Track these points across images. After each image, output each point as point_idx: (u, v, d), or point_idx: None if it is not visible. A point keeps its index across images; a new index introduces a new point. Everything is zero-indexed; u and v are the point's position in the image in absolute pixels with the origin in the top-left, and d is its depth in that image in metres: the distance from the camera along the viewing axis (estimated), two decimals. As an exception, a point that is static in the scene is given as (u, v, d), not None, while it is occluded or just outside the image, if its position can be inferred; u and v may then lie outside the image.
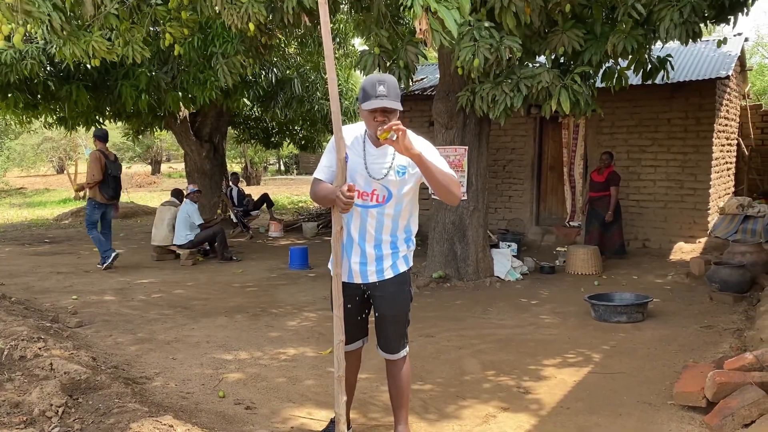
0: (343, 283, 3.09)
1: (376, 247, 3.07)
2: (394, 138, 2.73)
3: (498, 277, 7.88)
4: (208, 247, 9.84)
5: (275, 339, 5.32)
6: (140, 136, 15.86)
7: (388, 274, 3.10)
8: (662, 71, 7.27)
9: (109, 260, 8.69)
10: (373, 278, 3.10)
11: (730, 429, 3.32)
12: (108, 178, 8.58)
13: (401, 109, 2.93)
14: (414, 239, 3.21)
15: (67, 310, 6.18)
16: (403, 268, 3.14)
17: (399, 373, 3.22)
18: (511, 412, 3.81)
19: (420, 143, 3.01)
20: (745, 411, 3.31)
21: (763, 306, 5.56)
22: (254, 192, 16.69)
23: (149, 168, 36.15)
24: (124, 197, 21.78)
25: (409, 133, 3.08)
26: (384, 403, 3.89)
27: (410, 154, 2.77)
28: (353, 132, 3.08)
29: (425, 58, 7.24)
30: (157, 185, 29.44)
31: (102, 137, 8.84)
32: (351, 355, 3.17)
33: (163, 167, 38.22)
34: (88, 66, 9.87)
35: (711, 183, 9.80)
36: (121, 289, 7.42)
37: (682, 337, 5.30)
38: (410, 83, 7.09)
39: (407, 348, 3.26)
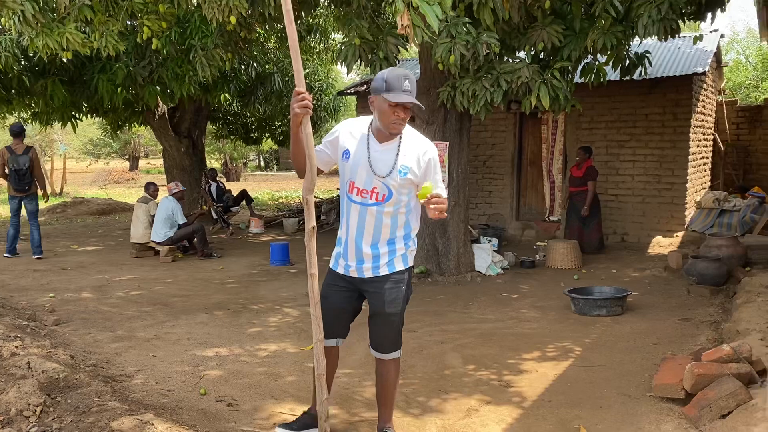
0: (337, 273, 3.10)
1: (373, 246, 3.02)
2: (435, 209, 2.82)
3: (479, 272, 7.92)
4: (187, 244, 9.75)
5: (256, 335, 5.29)
6: (118, 132, 15.69)
7: (383, 271, 3.05)
8: (640, 67, 7.35)
9: (5, 252, 9.22)
10: (368, 274, 3.05)
11: (708, 420, 3.37)
12: (11, 172, 8.94)
13: (418, 106, 2.94)
14: (414, 238, 3.16)
15: (44, 308, 6.08)
16: (400, 266, 3.08)
17: (388, 374, 3.18)
18: (493, 405, 3.83)
19: (423, 145, 3.03)
20: (722, 402, 3.36)
21: (740, 298, 5.65)
22: (234, 188, 16.57)
23: (127, 164, 35.73)
24: (101, 193, 21.64)
25: (414, 132, 3.07)
26: (367, 399, 3.89)
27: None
28: (360, 126, 3.05)
29: (406, 49, 7.23)
30: (135, 181, 29.12)
31: (13, 133, 9.08)
32: (326, 352, 3.08)
33: (141, 163, 37.81)
34: (64, 60, 9.76)
35: (688, 178, 9.93)
36: (100, 286, 7.33)
37: (661, 329, 5.36)
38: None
39: (400, 350, 3.20)
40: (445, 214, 2.86)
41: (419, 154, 2.99)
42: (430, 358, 4.70)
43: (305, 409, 3.45)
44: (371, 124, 3.03)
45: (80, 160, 33.57)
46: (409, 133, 3.05)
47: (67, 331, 5.31)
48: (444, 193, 3.00)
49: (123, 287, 7.28)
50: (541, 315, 6.01)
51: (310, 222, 2.89)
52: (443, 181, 7.69)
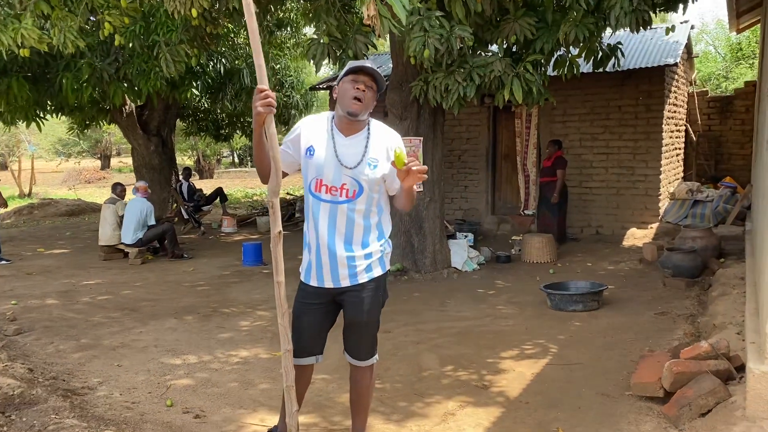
0: (313, 287, 2.92)
1: (347, 245, 2.85)
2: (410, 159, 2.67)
3: (455, 268, 7.84)
4: (157, 245, 9.52)
5: (227, 341, 5.13)
6: (86, 131, 15.31)
7: (362, 278, 2.88)
8: (613, 59, 7.30)
9: None
10: (345, 282, 2.87)
11: (688, 418, 3.31)
12: None
13: (382, 81, 2.84)
14: (389, 240, 3.02)
15: (5, 316, 5.85)
16: (378, 272, 2.93)
17: (364, 380, 3.04)
18: (471, 408, 3.73)
19: (391, 137, 2.91)
20: (701, 400, 3.30)
21: (715, 291, 5.63)
22: (208, 185, 16.30)
23: (99, 163, 35.06)
24: (70, 194, 21.14)
25: (382, 125, 2.96)
26: (343, 405, 3.76)
27: (408, 186, 2.75)
28: (317, 122, 2.91)
29: (375, 47, 7.10)
30: (107, 180, 28.55)
31: None
32: (300, 371, 2.93)
33: (113, 162, 37.09)
34: (26, 56, 9.45)
35: (662, 169, 9.95)
36: (66, 291, 7.10)
37: (638, 324, 5.32)
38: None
39: (376, 356, 3.06)
40: (425, 176, 2.70)
41: (387, 146, 2.86)
42: (406, 359, 4.60)
43: (276, 420, 3.31)
44: (333, 118, 2.89)
45: (50, 160, 32.85)
46: (377, 126, 2.91)
47: (29, 340, 5.09)
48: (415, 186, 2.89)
49: (90, 292, 7.06)
50: (517, 311, 5.94)
51: (276, 227, 2.75)
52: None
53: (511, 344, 4.92)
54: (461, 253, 8.04)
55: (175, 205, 11.89)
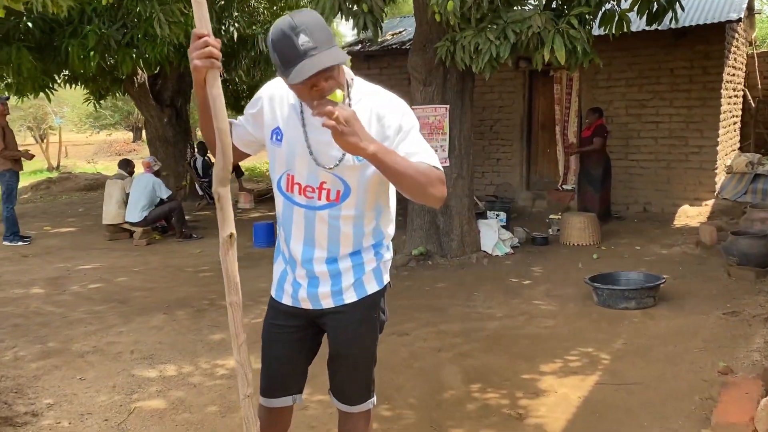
0: (286, 306, 2.11)
1: (330, 262, 2.02)
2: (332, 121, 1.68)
3: (485, 252, 7.00)
4: (165, 224, 8.88)
5: (216, 344, 4.41)
6: (102, 102, 14.73)
7: (350, 297, 2.05)
8: (670, 12, 6.30)
9: None
10: (327, 303, 2.05)
11: (793, 478, 2.48)
12: None
13: (344, 60, 1.83)
14: (390, 246, 2.15)
15: (-24, 311, 5.25)
16: (372, 287, 2.08)
17: (354, 430, 2.24)
18: (501, 448, 2.96)
19: (385, 104, 1.94)
20: (814, 455, 2.47)
21: (798, 287, 4.71)
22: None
23: (131, 135, 34.72)
24: (89, 167, 20.70)
25: (370, 88, 1.99)
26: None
27: (359, 154, 1.75)
28: (284, 92, 1.98)
29: (393, 1, 6.21)
30: (137, 153, 28.13)
31: None
32: (274, 416, 2.16)
33: (144, 134, 36.71)
34: (29, 24, 8.83)
35: (719, 139, 8.89)
36: (57, 278, 6.47)
37: (705, 328, 4.44)
38: (378, 33, 6.05)
39: (373, 399, 2.21)
40: (337, 127, 1.65)
41: (375, 114, 1.91)
42: (423, 374, 3.82)
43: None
44: None
45: (81, 132, 32.58)
46: (362, 90, 1.97)
47: (-11, 343, 4.46)
48: (432, 161, 1.87)
49: (82, 279, 6.43)
50: (557, 308, 5.10)
51: (225, 228, 1.95)
52: (443, 149, 6.70)
53: (551, 353, 4.10)
54: (492, 234, 7.19)
55: (185, 181, 11.20)
